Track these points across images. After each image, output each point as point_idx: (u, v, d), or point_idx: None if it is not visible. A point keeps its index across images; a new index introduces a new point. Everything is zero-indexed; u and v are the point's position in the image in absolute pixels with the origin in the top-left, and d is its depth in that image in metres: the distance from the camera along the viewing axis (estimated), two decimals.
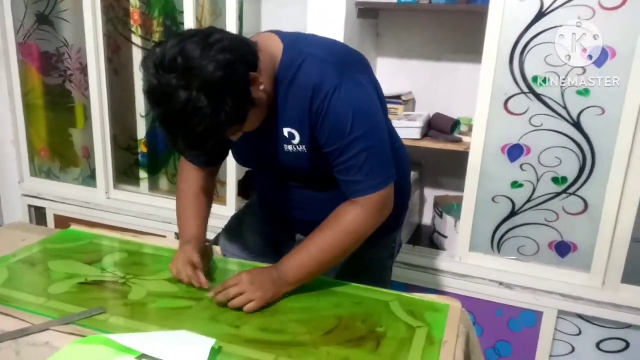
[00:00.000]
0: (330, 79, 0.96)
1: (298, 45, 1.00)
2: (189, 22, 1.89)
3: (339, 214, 1.05)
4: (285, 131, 1.02)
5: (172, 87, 0.84)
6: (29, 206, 2.34)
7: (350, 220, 1.03)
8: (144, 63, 0.88)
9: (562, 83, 1.53)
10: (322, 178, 1.08)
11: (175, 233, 2.08)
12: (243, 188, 2.12)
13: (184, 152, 0.96)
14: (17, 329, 0.89)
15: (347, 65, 1.01)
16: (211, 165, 1.22)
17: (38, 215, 2.35)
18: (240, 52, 0.90)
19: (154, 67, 0.86)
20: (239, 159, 1.21)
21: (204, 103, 0.84)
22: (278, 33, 1.04)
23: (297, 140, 1.03)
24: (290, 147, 1.04)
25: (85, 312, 0.95)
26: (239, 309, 0.99)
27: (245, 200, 2.09)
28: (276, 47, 1.00)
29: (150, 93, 0.88)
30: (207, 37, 0.88)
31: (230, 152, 1.20)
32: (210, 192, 1.23)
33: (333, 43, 1.09)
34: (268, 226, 1.30)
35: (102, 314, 0.95)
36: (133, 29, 2.07)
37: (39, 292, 1.03)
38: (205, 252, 1.14)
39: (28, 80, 2.26)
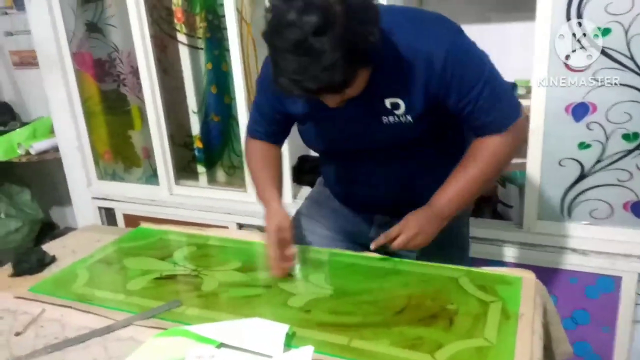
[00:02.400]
0: (440, 41, 0.96)
1: (386, 16, 0.96)
2: (230, 14, 1.90)
3: (483, 146, 1.05)
4: (388, 102, 1.01)
5: (310, 7, 0.80)
6: (99, 208, 2.46)
7: (495, 150, 1.04)
8: (271, 1, 0.85)
9: (627, 32, 1.42)
10: (411, 149, 1.09)
11: (238, 224, 2.14)
12: (297, 174, 2.14)
13: (311, 86, 0.85)
14: (102, 326, 0.94)
15: (441, 23, 1.01)
16: (275, 142, 1.23)
17: (108, 216, 2.47)
18: None
19: None
20: (315, 141, 1.17)
21: (346, 24, 0.81)
22: None
23: (401, 110, 1.02)
24: (391, 119, 1.03)
25: (164, 305, 0.99)
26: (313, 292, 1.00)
27: (300, 186, 2.11)
28: None
29: (282, 17, 0.81)
30: None
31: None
32: (280, 159, 1.24)
33: (411, 8, 1.08)
34: (343, 214, 1.27)
35: (179, 307, 0.99)
36: (177, 27, 2.11)
37: (118, 289, 1.09)
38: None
39: (85, 88, 2.36)
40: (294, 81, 0.86)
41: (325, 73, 0.83)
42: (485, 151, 1.05)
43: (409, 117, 1.02)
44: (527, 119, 1.10)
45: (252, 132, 1.24)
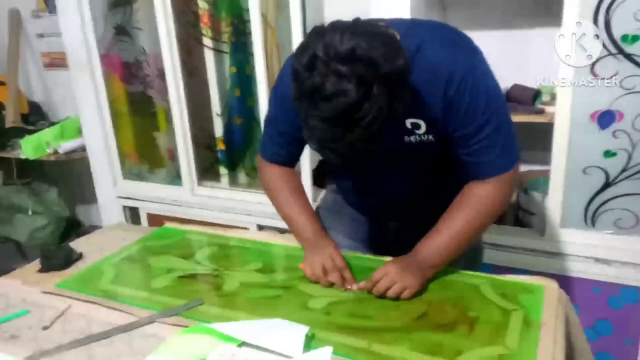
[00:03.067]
0: (460, 64, 0.93)
1: (414, 31, 0.97)
2: (254, 19, 1.92)
3: (471, 194, 1.03)
4: (409, 122, 0.99)
5: (346, 79, 0.77)
6: (124, 207, 2.51)
7: (483, 200, 1.02)
8: (298, 64, 0.81)
9: None
10: (433, 166, 1.08)
11: (258, 225, 2.16)
12: (318, 177, 2.14)
13: (345, 151, 0.86)
14: (127, 322, 0.97)
15: (467, 46, 0.98)
16: (289, 165, 1.21)
17: (132, 215, 2.52)
18: (397, 38, 0.86)
19: (316, 63, 0.79)
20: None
21: (384, 94, 0.79)
22: (388, 22, 0.97)
23: (422, 129, 1.00)
24: (413, 138, 1.01)
25: (186, 304, 1.01)
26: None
27: (320, 190, 2.11)
28: None
29: (318, 89, 0.79)
30: (365, 26, 0.82)
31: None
32: (302, 186, 1.22)
33: (440, 24, 1.04)
34: (360, 221, 1.27)
35: (201, 305, 1.01)
36: (204, 31, 2.14)
37: (142, 287, 1.11)
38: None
39: (113, 90, 2.40)
40: (328, 148, 0.86)
41: (362, 142, 0.83)
42: (473, 200, 1.02)
43: (431, 137, 1.01)
44: (518, 173, 1.05)
45: (270, 156, 1.19)
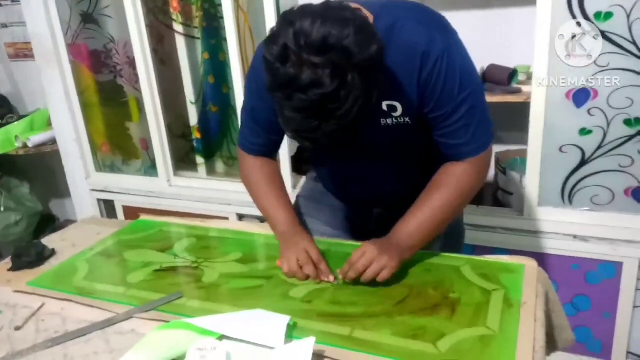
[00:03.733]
0: (436, 44, 0.92)
1: (389, 11, 0.95)
2: (226, 3, 1.87)
3: (448, 174, 1.03)
4: (385, 104, 0.98)
5: (320, 70, 0.76)
6: (98, 200, 2.45)
7: (460, 179, 1.02)
8: (269, 55, 0.79)
9: (629, 16, 1.40)
10: (408, 150, 1.07)
11: (238, 214, 2.13)
12: (297, 164, 2.12)
13: (323, 141, 0.85)
14: (103, 319, 0.94)
15: (442, 26, 0.96)
16: (270, 155, 1.19)
17: (107, 207, 2.46)
18: (370, 23, 0.84)
19: (288, 54, 0.77)
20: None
21: (359, 82, 0.78)
22: (361, 3, 0.95)
23: (399, 112, 0.99)
24: (389, 121, 1.00)
25: (165, 298, 0.99)
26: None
27: (300, 176, 2.10)
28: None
29: (292, 81, 0.77)
30: (336, 11, 0.79)
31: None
32: (281, 178, 1.20)
33: (415, 4, 1.02)
34: (340, 209, 1.26)
35: (180, 299, 0.99)
36: (174, 17, 2.08)
37: (119, 282, 1.08)
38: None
39: (82, 80, 2.33)
40: (305, 138, 0.86)
41: (339, 131, 0.83)
42: (450, 180, 1.02)
43: (407, 119, 1.00)
44: (491, 153, 1.06)
45: (247, 147, 1.17)
